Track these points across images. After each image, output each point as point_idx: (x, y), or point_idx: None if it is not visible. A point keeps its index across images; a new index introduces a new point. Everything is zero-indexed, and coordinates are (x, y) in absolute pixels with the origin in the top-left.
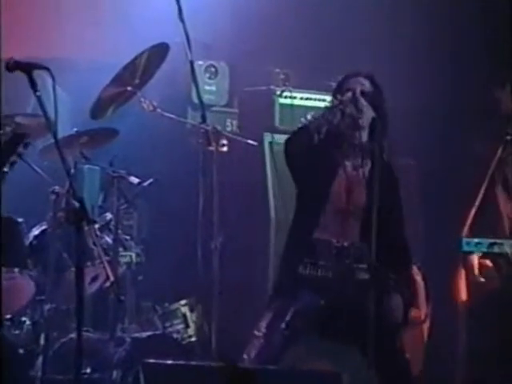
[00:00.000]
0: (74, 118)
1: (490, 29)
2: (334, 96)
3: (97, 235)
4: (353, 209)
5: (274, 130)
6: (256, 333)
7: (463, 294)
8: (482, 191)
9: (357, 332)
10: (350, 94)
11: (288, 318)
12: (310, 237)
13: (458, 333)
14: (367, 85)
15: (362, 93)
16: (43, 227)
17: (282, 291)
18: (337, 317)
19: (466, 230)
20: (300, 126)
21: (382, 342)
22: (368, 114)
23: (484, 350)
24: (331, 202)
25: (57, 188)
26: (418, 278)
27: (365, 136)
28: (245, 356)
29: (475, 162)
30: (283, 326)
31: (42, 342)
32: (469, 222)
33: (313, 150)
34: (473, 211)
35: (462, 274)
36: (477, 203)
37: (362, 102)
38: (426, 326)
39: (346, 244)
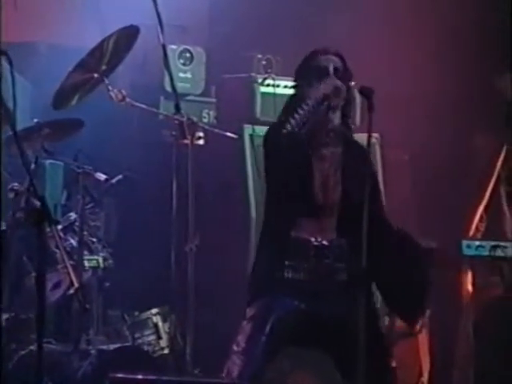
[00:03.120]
0: (34, 108)
1: (491, 17)
2: (304, 76)
3: (60, 237)
4: (329, 202)
5: (255, 122)
6: (235, 348)
7: (468, 301)
8: (490, 189)
9: (340, 340)
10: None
11: (268, 328)
12: (287, 236)
13: (461, 340)
14: (338, 62)
15: (335, 69)
16: (1, 228)
17: (258, 299)
18: (319, 323)
19: (472, 231)
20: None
21: (370, 351)
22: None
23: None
24: (307, 197)
25: (16, 185)
26: None
27: (337, 119)
28: (224, 374)
29: (475, 158)
30: (263, 338)
31: None
32: (475, 222)
33: (290, 142)
34: (480, 210)
35: (468, 278)
36: (484, 202)
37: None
38: (423, 338)
39: (325, 242)
